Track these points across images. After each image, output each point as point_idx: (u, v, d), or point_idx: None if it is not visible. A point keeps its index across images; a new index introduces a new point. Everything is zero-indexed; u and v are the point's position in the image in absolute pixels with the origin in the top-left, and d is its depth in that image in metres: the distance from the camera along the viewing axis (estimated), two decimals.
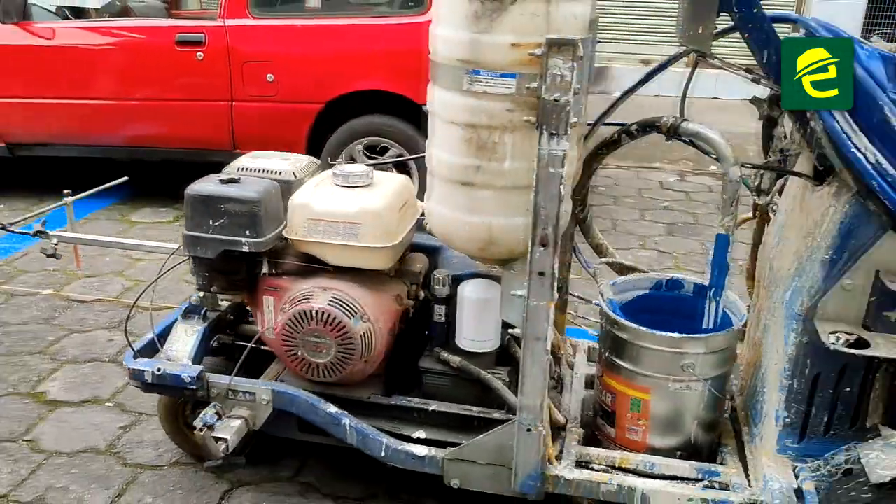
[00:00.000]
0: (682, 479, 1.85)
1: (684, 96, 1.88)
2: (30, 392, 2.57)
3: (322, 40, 4.03)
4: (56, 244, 2.38)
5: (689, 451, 1.93)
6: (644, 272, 2.21)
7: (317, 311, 1.84)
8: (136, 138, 4.30)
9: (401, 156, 3.94)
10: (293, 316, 1.86)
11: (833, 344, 1.59)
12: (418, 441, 1.92)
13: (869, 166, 1.45)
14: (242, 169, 2.01)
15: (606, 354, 1.96)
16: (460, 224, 1.67)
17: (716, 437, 1.99)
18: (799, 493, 1.68)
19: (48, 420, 2.42)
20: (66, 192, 2.44)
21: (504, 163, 1.58)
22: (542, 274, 1.60)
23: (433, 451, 1.88)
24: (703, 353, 1.84)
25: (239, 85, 4.10)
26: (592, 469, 1.89)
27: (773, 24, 1.65)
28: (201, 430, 1.81)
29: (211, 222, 1.85)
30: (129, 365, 1.97)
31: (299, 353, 1.89)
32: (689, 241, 4.08)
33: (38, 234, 2.35)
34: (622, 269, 2.24)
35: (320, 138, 4.10)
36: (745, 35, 1.65)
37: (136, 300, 2.08)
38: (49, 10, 4.43)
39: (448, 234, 1.73)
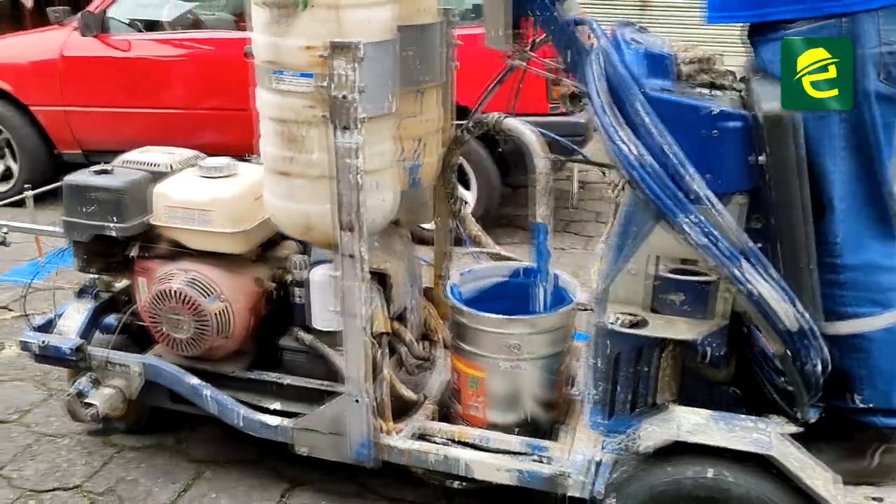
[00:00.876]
0: (511, 452, 1.98)
1: (516, 95, 2.00)
2: None
3: None
4: (6, 233, 2.61)
5: (527, 429, 2.05)
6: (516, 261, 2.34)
7: (174, 291, 2.02)
8: (206, 146, 4.48)
9: (461, 167, 3.95)
10: (155, 295, 2.04)
11: (612, 324, 1.70)
12: (273, 412, 2.09)
13: (631, 157, 1.55)
14: (127, 161, 2.21)
15: (452, 337, 2.10)
16: (283, 211, 1.83)
17: (558, 416, 2.10)
18: (598, 464, 1.79)
19: None
20: (26, 186, 2.65)
21: (312, 154, 1.73)
22: (351, 256, 1.75)
23: (282, 421, 2.05)
24: (530, 334, 1.95)
25: None
26: (433, 441, 2.03)
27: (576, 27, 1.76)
28: (69, 395, 2.01)
29: (82, 209, 2.04)
30: (21, 338, 2.19)
31: (163, 329, 2.08)
32: None
33: None
34: (499, 259, 2.37)
35: None
36: (550, 36, 1.77)
37: (31, 280, 2.30)
38: (125, 23, 4.67)
39: (278, 221, 1.89)
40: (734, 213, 1.60)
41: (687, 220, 1.55)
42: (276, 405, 2.11)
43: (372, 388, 1.90)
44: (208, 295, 2.02)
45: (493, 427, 2.06)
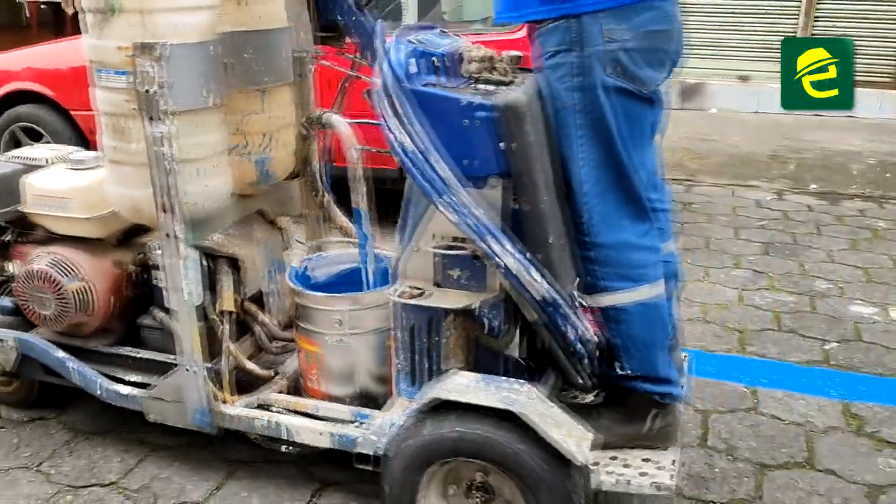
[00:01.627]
0: (340, 420, 2.15)
1: (342, 93, 2.19)
2: None
3: None
4: None
5: (362, 400, 2.22)
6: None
7: (38, 271, 2.24)
8: None
9: None
10: (22, 275, 2.26)
11: (391, 296, 1.87)
12: (129, 383, 2.30)
13: (396, 145, 1.74)
14: (12, 157, 2.45)
15: (293, 316, 2.28)
16: (117, 196, 2.05)
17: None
18: (392, 426, 1.96)
19: None
20: None
21: (134, 144, 1.94)
22: (168, 235, 1.96)
23: (134, 391, 2.25)
24: (352, 310, 2.13)
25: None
26: (272, 411, 2.21)
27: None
28: None
29: None
30: None
31: (32, 307, 2.30)
32: (787, 262, 3.98)
33: None
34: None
35: None
36: (353, 39, 1.97)
37: None
38: None
39: (115, 205, 2.10)
40: (494, 195, 1.77)
41: (442, 200, 1.73)
42: (134, 378, 2.31)
43: (202, 359, 2.10)
44: (68, 275, 2.23)
45: (330, 398, 2.23)
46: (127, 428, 2.49)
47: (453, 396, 1.75)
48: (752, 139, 6.54)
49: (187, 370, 2.09)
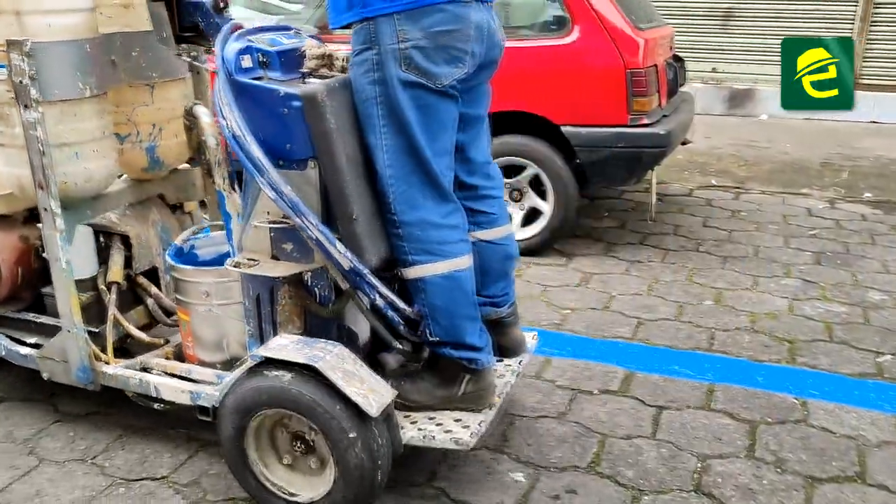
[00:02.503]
0: (206, 382, 2.39)
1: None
2: None
3: None
4: None
5: (231, 365, 2.46)
6: None
7: None
8: None
9: (537, 176, 4.09)
10: None
11: (227, 266, 2.11)
12: (30, 345, 2.57)
13: (226, 130, 1.98)
14: None
15: (174, 288, 2.53)
16: (5, 175, 2.32)
17: None
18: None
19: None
20: None
21: (15, 129, 2.21)
22: (45, 210, 2.22)
23: (31, 351, 2.52)
24: (218, 282, 2.37)
25: None
26: (151, 373, 2.46)
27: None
28: None
29: None
30: None
31: None
32: (839, 272, 3.93)
33: None
34: None
35: None
36: (212, 39, 2.21)
37: None
38: None
39: (7, 185, 2.37)
40: (312, 175, 2.00)
41: (262, 179, 1.96)
42: (36, 340, 2.58)
43: (81, 322, 2.35)
44: None
45: (204, 364, 2.47)
46: (178, 425, 2.59)
47: (270, 354, 1.98)
48: (803, 146, 6.34)
49: (68, 332, 2.35)
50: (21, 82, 2.08)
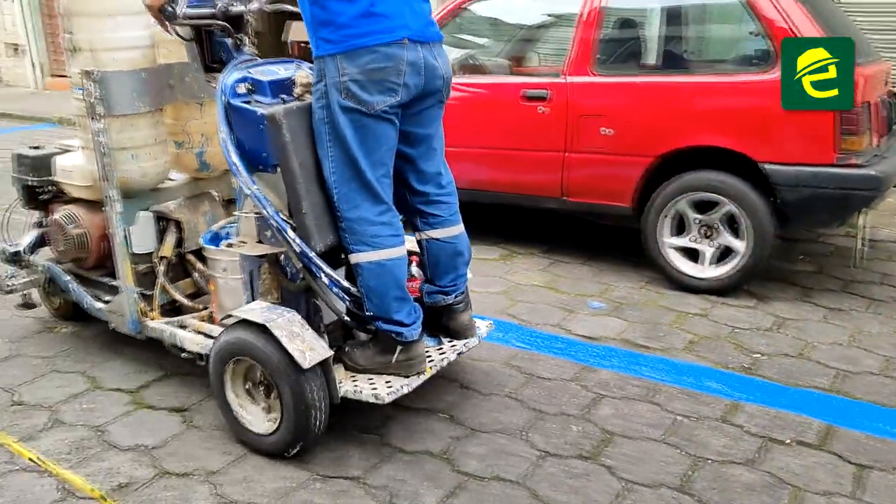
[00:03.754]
0: None
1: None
2: None
3: (660, 97, 4.14)
4: None
5: None
6: None
7: (54, 220, 3.32)
8: (476, 182, 4.72)
9: (732, 215, 3.98)
10: (48, 223, 3.37)
11: (223, 247, 2.71)
12: (105, 301, 3.32)
13: (221, 140, 2.59)
14: (59, 144, 3.59)
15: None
16: (88, 171, 3.08)
17: None
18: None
19: (396, 419, 2.84)
20: None
21: (89, 135, 2.95)
22: (108, 197, 2.94)
23: (103, 305, 3.27)
24: (232, 260, 2.99)
25: (574, 137, 4.37)
26: (185, 330, 3.13)
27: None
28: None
29: (18, 169, 3.43)
30: None
31: (53, 245, 3.40)
32: None
33: None
34: None
35: (650, 190, 4.21)
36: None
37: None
38: None
39: (89, 178, 3.14)
40: (279, 177, 2.56)
41: (239, 179, 2.55)
42: (108, 298, 3.34)
43: (133, 285, 3.06)
44: (72, 223, 3.30)
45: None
46: (369, 428, 2.79)
47: (241, 315, 2.57)
48: None
49: (124, 292, 3.07)
50: (90, 101, 2.82)
